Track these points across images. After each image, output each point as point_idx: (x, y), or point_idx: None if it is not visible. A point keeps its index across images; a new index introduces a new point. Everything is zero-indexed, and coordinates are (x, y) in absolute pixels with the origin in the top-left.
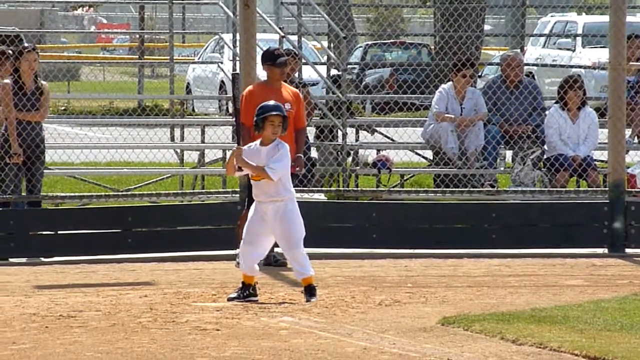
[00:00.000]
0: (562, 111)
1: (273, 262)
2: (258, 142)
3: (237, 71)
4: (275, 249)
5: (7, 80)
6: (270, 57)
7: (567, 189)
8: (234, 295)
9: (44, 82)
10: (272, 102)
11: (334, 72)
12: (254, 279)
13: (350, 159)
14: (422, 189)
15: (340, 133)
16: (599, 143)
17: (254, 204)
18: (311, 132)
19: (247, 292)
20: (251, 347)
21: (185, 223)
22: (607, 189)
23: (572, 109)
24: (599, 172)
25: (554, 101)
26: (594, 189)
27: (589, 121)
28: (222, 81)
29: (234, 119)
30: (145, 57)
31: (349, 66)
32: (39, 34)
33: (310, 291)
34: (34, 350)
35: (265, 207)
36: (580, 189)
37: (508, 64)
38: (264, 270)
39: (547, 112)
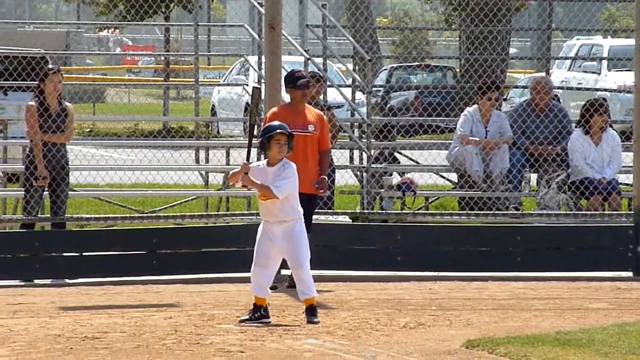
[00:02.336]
0: (585, 135)
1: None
2: (265, 161)
3: (257, 85)
4: None
5: (32, 102)
6: (291, 79)
7: (592, 212)
8: (245, 317)
9: (68, 104)
10: (276, 122)
11: (359, 95)
12: (266, 301)
13: (374, 181)
14: (446, 211)
15: (365, 155)
16: (625, 166)
17: (261, 225)
18: (336, 154)
19: (258, 313)
20: None
21: (210, 245)
22: (632, 212)
23: (595, 133)
24: (623, 196)
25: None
26: (619, 212)
27: (612, 144)
28: (247, 103)
29: (249, 135)
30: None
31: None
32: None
33: (312, 312)
34: None
35: (272, 227)
36: (605, 212)
37: (535, 88)
38: (287, 292)
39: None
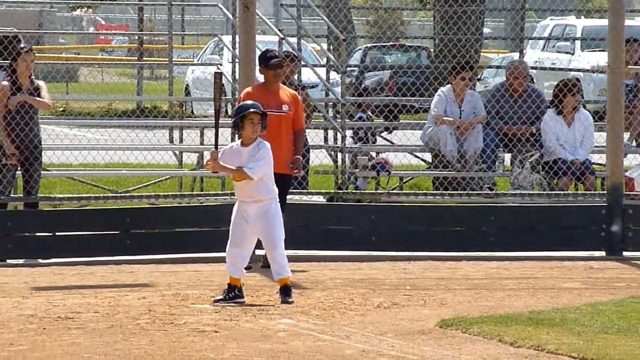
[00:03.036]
0: (558, 116)
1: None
2: (239, 142)
3: (218, 70)
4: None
5: (4, 82)
6: (263, 59)
7: (566, 192)
8: (220, 297)
9: (40, 82)
10: (249, 102)
11: (333, 74)
12: (240, 281)
13: (349, 161)
14: (421, 191)
15: (339, 135)
16: (597, 146)
17: (236, 204)
18: (310, 134)
19: (233, 293)
20: (249, 349)
21: (184, 225)
22: (605, 192)
23: (567, 113)
24: (597, 176)
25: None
26: (592, 192)
27: (585, 124)
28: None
29: (214, 120)
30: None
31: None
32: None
33: (286, 292)
34: (32, 352)
35: (247, 207)
36: (578, 192)
37: (512, 72)
38: (262, 272)
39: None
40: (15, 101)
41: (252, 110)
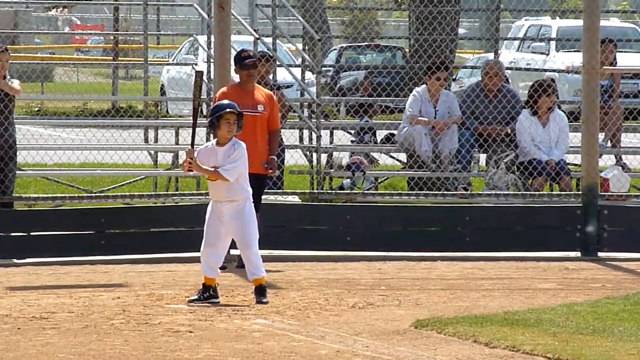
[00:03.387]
0: (533, 116)
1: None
2: (214, 141)
3: (199, 69)
4: None
5: None
6: (238, 60)
7: (541, 192)
8: (194, 297)
9: (14, 80)
10: (226, 101)
11: (308, 75)
12: (215, 281)
13: (324, 161)
14: (396, 191)
15: (314, 135)
16: (572, 147)
17: (210, 204)
18: (285, 134)
19: (207, 293)
20: (224, 349)
21: (159, 225)
22: (580, 192)
23: (542, 114)
24: (572, 177)
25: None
26: (567, 192)
27: (560, 124)
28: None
29: (191, 118)
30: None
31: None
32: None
33: (261, 292)
34: (6, 352)
35: (221, 206)
36: (553, 192)
37: (487, 72)
38: (236, 272)
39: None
40: None
41: (228, 110)
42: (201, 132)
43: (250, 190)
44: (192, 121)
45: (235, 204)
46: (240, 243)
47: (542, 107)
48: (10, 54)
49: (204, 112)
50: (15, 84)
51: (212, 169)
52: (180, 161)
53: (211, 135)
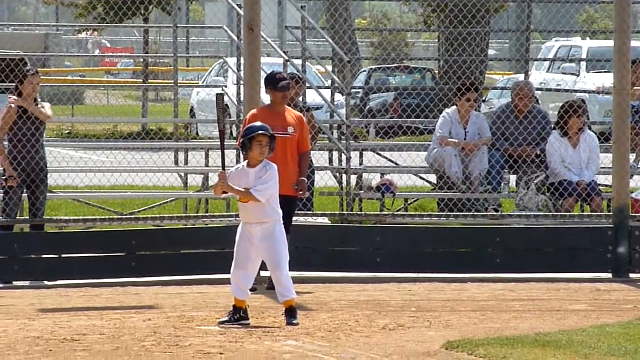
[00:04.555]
0: (563, 137)
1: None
2: (245, 163)
3: (220, 92)
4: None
5: (12, 105)
6: (272, 81)
7: (572, 213)
8: (225, 318)
9: (45, 103)
10: (258, 123)
11: (338, 96)
12: (246, 303)
13: (354, 183)
14: (426, 213)
15: (344, 157)
16: (603, 168)
17: (240, 226)
18: (315, 156)
19: (238, 315)
20: None
21: (190, 247)
22: (611, 213)
23: (573, 135)
24: (603, 198)
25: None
26: (598, 213)
27: (590, 145)
28: (227, 105)
29: (220, 142)
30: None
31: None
32: (44, 57)
33: (291, 314)
34: None
35: (252, 228)
36: (584, 213)
37: (517, 93)
38: (267, 294)
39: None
40: (17, 103)
41: (260, 132)
42: (231, 154)
43: (281, 212)
44: (220, 144)
45: (266, 226)
46: (270, 265)
47: (573, 128)
48: (41, 77)
49: (234, 134)
50: (47, 107)
51: (244, 190)
52: (211, 184)
53: (242, 157)
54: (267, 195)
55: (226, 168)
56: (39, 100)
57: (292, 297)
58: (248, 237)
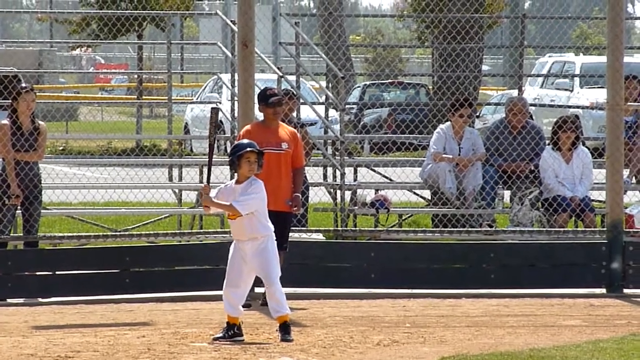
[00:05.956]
0: (556, 153)
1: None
2: (233, 181)
3: (215, 106)
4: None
5: (5, 121)
6: (263, 97)
7: (566, 229)
8: (219, 335)
9: (41, 122)
10: (245, 140)
11: (332, 112)
12: (239, 319)
13: (348, 198)
14: (420, 229)
15: (338, 173)
16: (597, 183)
17: (233, 244)
18: (309, 171)
19: (232, 331)
20: None
21: (184, 263)
22: (605, 229)
23: (566, 150)
24: (597, 213)
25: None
26: (592, 229)
27: (584, 161)
28: (221, 121)
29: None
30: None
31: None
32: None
33: (285, 329)
34: None
35: (244, 245)
36: (578, 229)
37: (511, 108)
38: (261, 310)
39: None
40: (10, 156)
41: (248, 149)
42: (225, 170)
43: (272, 227)
44: (208, 157)
45: (257, 242)
46: (264, 280)
47: (566, 143)
48: (36, 94)
49: (228, 150)
50: (42, 128)
51: (226, 203)
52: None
53: (233, 174)
54: (248, 207)
55: (211, 183)
56: (35, 118)
57: (286, 313)
58: (241, 255)
